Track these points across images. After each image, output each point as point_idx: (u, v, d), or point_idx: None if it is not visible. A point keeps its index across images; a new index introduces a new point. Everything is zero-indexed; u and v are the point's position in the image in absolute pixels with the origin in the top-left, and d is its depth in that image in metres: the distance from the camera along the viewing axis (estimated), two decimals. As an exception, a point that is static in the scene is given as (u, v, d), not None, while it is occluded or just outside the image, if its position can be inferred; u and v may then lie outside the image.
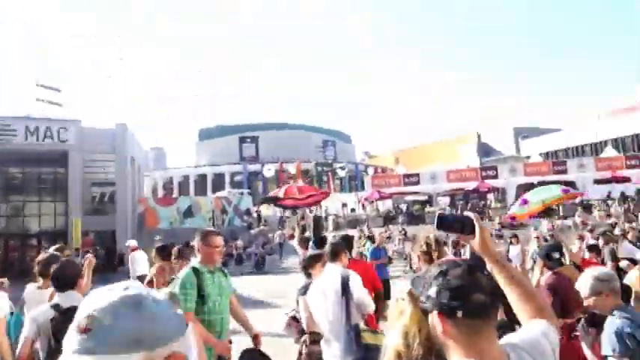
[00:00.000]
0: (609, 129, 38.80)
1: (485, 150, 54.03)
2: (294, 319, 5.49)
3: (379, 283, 5.83)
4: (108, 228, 26.45)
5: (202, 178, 53.22)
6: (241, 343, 4.15)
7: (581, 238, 10.77)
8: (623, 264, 6.82)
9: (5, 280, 5.53)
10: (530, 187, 27.62)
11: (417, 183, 32.13)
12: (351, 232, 20.66)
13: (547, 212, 24.83)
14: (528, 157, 40.68)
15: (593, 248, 7.42)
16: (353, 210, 34.04)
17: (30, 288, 4.66)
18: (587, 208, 24.22)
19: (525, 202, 13.54)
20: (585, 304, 3.23)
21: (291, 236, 24.53)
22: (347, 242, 5.73)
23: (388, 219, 27.32)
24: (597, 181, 27.71)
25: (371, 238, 15.41)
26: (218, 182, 50.96)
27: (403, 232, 23.19)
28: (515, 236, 12.67)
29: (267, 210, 36.42)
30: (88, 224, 25.11)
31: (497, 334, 1.37)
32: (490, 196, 31.37)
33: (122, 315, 0.91)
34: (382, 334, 3.92)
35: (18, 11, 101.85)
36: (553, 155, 43.31)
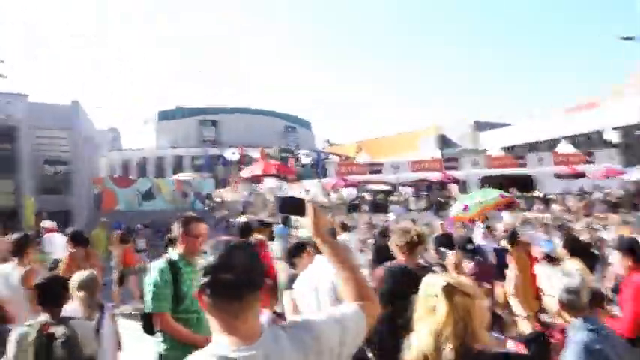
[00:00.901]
0: (565, 126, 40.04)
1: (445, 143, 54.87)
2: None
3: None
4: (63, 208, 25.24)
5: (161, 160, 51.84)
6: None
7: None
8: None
9: None
10: (491, 179, 28.25)
11: (381, 172, 32.24)
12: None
13: (507, 205, 25.49)
14: (485, 151, 41.47)
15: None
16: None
17: None
18: (546, 202, 24.84)
19: (466, 208, 13.68)
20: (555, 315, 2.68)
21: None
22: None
23: (353, 207, 27.26)
24: (558, 176, 28.50)
25: (345, 227, 14.74)
26: (178, 165, 49.78)
27: (370, 221, 23.16)
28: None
29: (228, 195, 35.78)
30: (41, 204, 23.86)
31: (258, 313, 1.41)
32: (453, 188, 31.80)
33: None
34: None
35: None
36: (511, 150, 44.40)
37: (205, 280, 1.36)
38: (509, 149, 42.98)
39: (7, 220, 18.58)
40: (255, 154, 45.39)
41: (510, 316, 4.04)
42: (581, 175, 28.04)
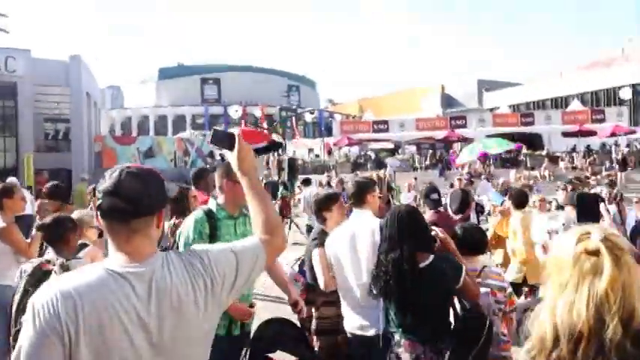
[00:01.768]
0: (573, 84, 39.22)
1: (448, 102, 54.01)
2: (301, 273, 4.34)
3: None
4: (63, 166, 25.00)
5: (162, 118, 51.35)
6: (268, 309, 3.43)
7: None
8: None
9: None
10: (498, 137, 27.78)
11: (386, 130, 31.77)
12: (318, 177, 20.25)
13: (515, 163, 25.18)
14: (492, 110, 40.78)
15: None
16: (317, 156, 33.56)
17: None
18: (553, 159, 24.51)
19: (484, 155, 13.49)
20: None
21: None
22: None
23: (357, 165, 26.99)
24: (565, 134, 28.00)
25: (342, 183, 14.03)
26: (179, 123, 49.28)
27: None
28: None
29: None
30: (41, 162, 23.60)
31: (150, 236, 1.47)
32: (456, 147, 31.38)
33: None
34: None
35: None
36: (516, 108, 43.67)
37: (98, 202, 1.43)
38: (516, 108, 42.24)
39: (7, 177, 18.35)
40: (257, 112, 44.82)
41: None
42: (590, 133, 27.55)
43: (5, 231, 3.98)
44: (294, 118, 45.73)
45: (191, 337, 1.46)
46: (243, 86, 54.22)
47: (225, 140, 1.77)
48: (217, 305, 1.53)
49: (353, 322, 3.27)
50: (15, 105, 25.01)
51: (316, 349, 3.47)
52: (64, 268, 2.72)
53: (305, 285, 3.87)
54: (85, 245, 3.54)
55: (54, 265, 2.85)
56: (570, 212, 5.58)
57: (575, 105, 33.44)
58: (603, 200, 6.78)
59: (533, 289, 5.41)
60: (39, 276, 2.81)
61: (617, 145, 25.89)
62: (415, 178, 18.03)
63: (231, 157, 1.76)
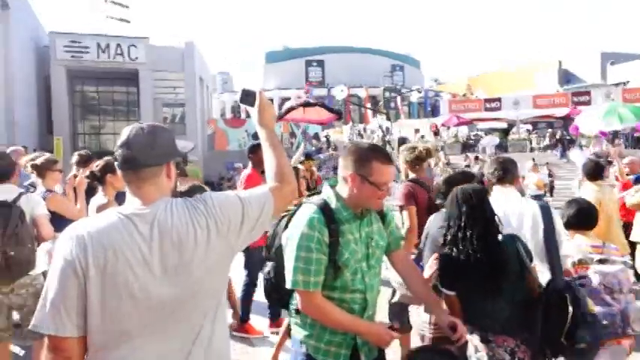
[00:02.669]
0: None
1: (567, 78, 49.71)
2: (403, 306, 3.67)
3: None
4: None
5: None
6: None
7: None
8: None
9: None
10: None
11: (499, 109, 29.78)
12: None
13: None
14: (617, 85, 36.78)
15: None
16: (423, 137, 32.41)
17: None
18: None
19: None
20: None
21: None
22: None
23: (467, 147, 25.63)
24: None
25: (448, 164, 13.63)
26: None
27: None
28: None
29: (335, 135, 35.48)
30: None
31: (160, 184, 1.60)
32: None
33: None
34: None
35: None
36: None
37: (115, 154, 1.59)
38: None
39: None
40: (361, 93, 44.34)
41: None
42: None
43: (105, 208, 3.95)
44: (398, 98, 44.61)
45: (192, 270, 1.53)
46: (347, 68, 53.93)
47: (250, 97, 1.91)
48: (226, 246, 1.61)
49: None
50: (137, 91, 26.80)
51: None
52: None
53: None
54: None
55: None
56: None
57: None
58: None
59: None
60: None
61: None
62: (533, 159, 16.74)
63: (253, 111, 1.91)
